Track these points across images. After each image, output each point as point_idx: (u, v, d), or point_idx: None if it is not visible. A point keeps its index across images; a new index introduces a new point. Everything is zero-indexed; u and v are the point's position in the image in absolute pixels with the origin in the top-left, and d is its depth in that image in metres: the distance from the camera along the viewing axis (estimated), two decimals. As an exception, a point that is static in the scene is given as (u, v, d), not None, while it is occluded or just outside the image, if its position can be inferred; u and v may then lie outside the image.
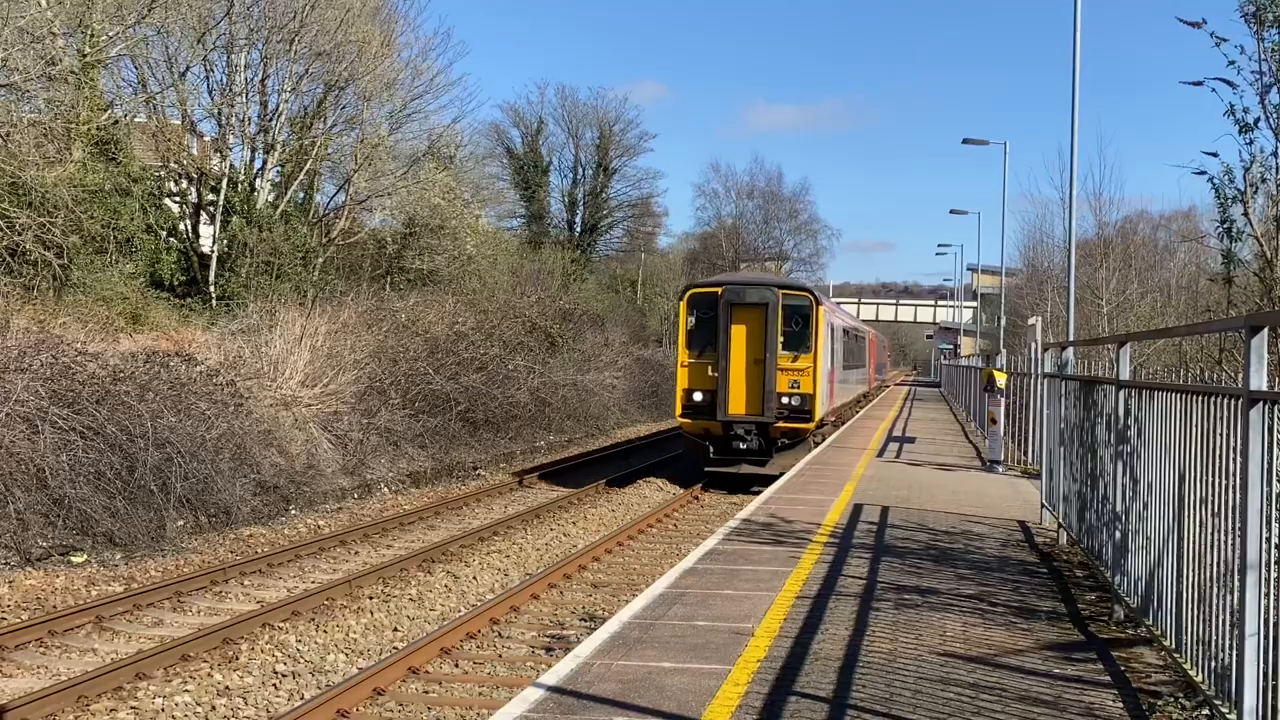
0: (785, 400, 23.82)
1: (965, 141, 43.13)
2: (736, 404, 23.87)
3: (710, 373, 23.95)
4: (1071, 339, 18.24)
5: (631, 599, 10.99)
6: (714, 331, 23.99)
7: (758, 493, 18.91)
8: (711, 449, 24.30)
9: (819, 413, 24.32)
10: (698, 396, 24.04)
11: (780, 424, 23.91)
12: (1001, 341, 45.06)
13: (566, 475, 27.27)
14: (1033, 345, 22.48)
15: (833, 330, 27.48)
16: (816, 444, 25.71)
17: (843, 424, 34.29)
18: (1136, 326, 33.99)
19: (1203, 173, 11.67)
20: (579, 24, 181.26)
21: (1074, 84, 22.43)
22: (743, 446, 23.96)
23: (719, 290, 24.30)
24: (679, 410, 24.47)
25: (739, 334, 23.96)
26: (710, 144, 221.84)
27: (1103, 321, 36.79)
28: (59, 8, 26.46)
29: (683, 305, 24.71)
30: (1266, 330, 5.63)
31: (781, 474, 20.55)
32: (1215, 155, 11.55)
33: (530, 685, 7.15)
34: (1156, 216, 47.94)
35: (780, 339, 23.87)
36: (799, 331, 24.11)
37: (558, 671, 7.36)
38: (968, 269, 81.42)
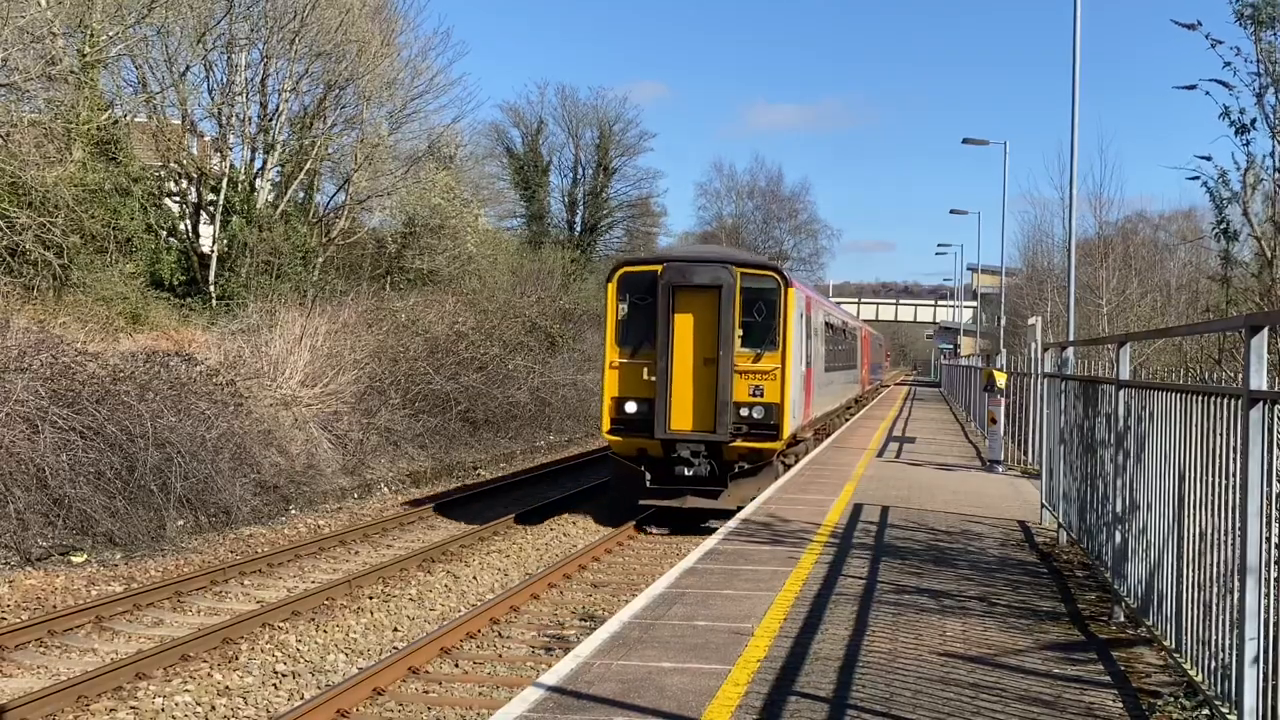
0: (744, 412, 18.69)
1: (965, 141, 43.18)
2: (680, 417, 18.78)
3: (646, 376, 18.75)
4: (1071, 339, 18.26)
5: (631, 599, 10.99)
6: (652, 323, 18.81)
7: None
8: (648, 475, 19.09)
9: (789, 427, 19.21)
10: (630, 407, 18.84)
11: (738, 443, 18.74)
12: (1001, 341, 45.05)
13: (545, 482, 27.16)
14: (1033, 345, 22.47)
15: (809, 321, 22.28)
16: (787, 466, 20.82)
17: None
18: (1136, 326, 33.99)
19: (1196, 177, 11.69)
20: (579, 24, 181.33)
21: (1074, 84, 22.44)
22: (688, 473, 18.75)
23: (658, 269, 19.03)
24: (606, 425, 19.16)
25: (684, 326, 18.88)
26: (710, 144, 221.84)
27: (1102, 321, 36.79)
28: (59, 8, 26.46)
29: (611, 289, 19.30)
30: (1266, 330, 5.63)
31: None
32: (1209, 159, 11.56)
33: (530, 685, 7.15)
34: (1156, 217, 47.97)
35: (738, 332, 18.83)
36: (763, 322, 19.03)
37: (558, 671, 7.36)
38: (968, 269, 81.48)
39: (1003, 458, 22.37)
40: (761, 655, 7.70)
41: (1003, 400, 23.19)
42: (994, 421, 22.83)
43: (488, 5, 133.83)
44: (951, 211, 60.45)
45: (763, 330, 19.09)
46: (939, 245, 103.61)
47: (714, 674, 7.26)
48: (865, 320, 72.10)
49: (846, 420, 35.86)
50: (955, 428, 35.36)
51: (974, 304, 79.85)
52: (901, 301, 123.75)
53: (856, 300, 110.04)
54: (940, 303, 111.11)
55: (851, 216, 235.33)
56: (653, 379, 18.70)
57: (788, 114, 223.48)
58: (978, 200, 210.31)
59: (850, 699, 6.75)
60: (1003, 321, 49.49)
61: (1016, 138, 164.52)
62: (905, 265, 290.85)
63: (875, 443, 27.13)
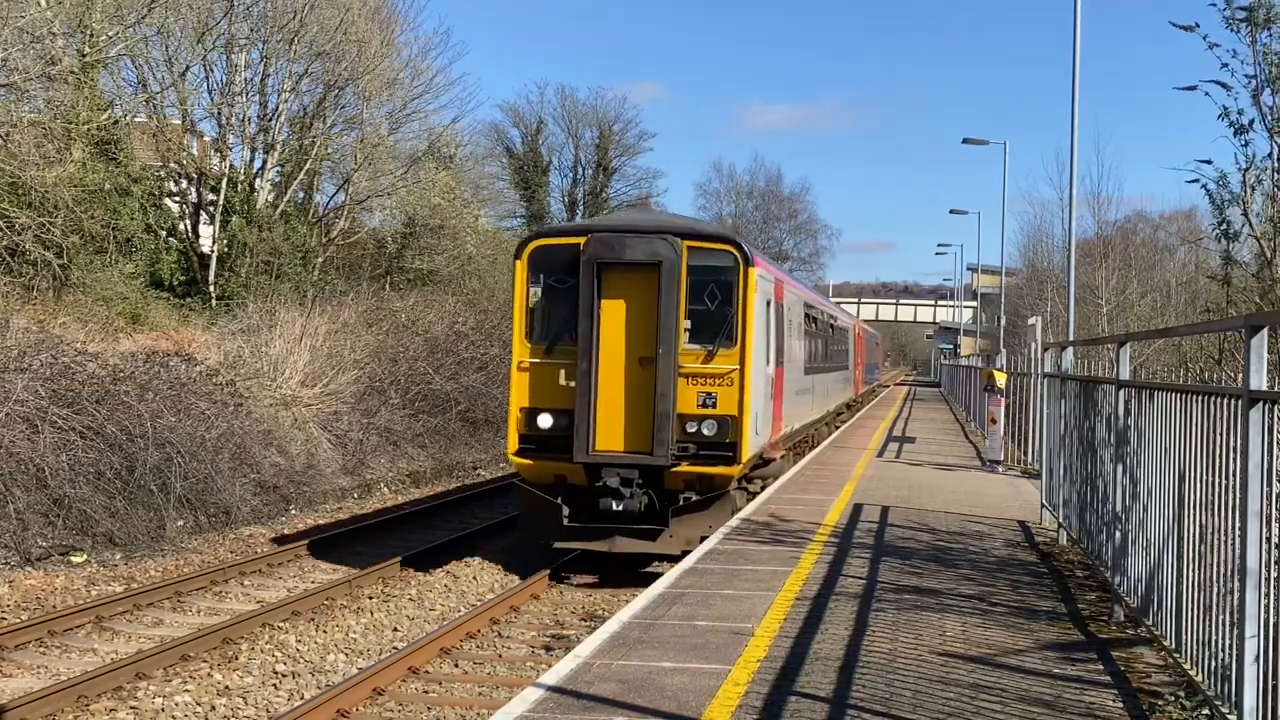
0: (692, 427, 14.73)
1: (965, 141, 43.21)
2: (608, 435, 14.79)
3: (565, 381, 14.81)
4: (1071, 339, 18.25)
5: (631, 599, 10.99)
6: (572, 311, 14.83)
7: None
8: (566, 509, 14.90)
9: (750, 446, 15.14)
10: (544, 421, 14.87)
11: (683, 468, 14.70)
12: (1001, 341, 45.07)
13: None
14: (1033, 345, 22.48)
15: (780, 311, 18.07)
16: (751, 494, 16.87)
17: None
18: (1136, 326, 34.00)
19: (1195, 180, 11.70)
20: (578, 24, 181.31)
21: (1074, 84, 22.45)
22: (618, 507, 14.69)
23: (580, 241, 14.95)
24: (512, 445, 15.11)
25: (614, 315, 14.90)
26: (709, 144, 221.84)
27: (1102, 321, 36.80)
28: (59, 8, 26.46)
29: (520, 268, 15.30)
30: (1266, 330, 5.63)
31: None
32: (1209, 162, 11.55)
33: (530, 685, 7.15)
34: (1156, 217, 47.98)
35: (684, 323, 14.86)
36: (717, 311, 15.07)
37: (558, 671, 7.36)
38: (968, 269, 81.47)
39: (1003, 458, 22.37)
40: (762, 655, 7.70)
41: (1003, 400, 23.19)
42: (994, 421, 22.83)
43: (488, 5, 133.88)
44: (951, 211, 60.55)
45: (717, 321, 15.00)
46: (939, 245, 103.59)
47: (714, 674, 7.26)
48: (865, 320, 72.00)
49: (837, 428, 32.08)
50: (955, 428, 35.37)
51: (974, 304, 79.88)
52: (901, 301, 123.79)
53: (856, 300, 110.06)
54: (940, 303, 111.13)
55: (851, 216, 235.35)
56: (573, 384, 14.66)
57: (787, 114, 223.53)
58: (978, 200, 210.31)
59: (850, 699, 6.75)
60: (1003, 321, 49.51)
61: (1016, 138, 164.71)
62: (905, 265, 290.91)
63: (875, 443, 27.13)
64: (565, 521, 14.87)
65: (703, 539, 13.27)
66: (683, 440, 14.70)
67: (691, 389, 14.82)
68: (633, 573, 15.29)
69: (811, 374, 23.69)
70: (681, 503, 14.88)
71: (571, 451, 14.56)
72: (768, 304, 16.51)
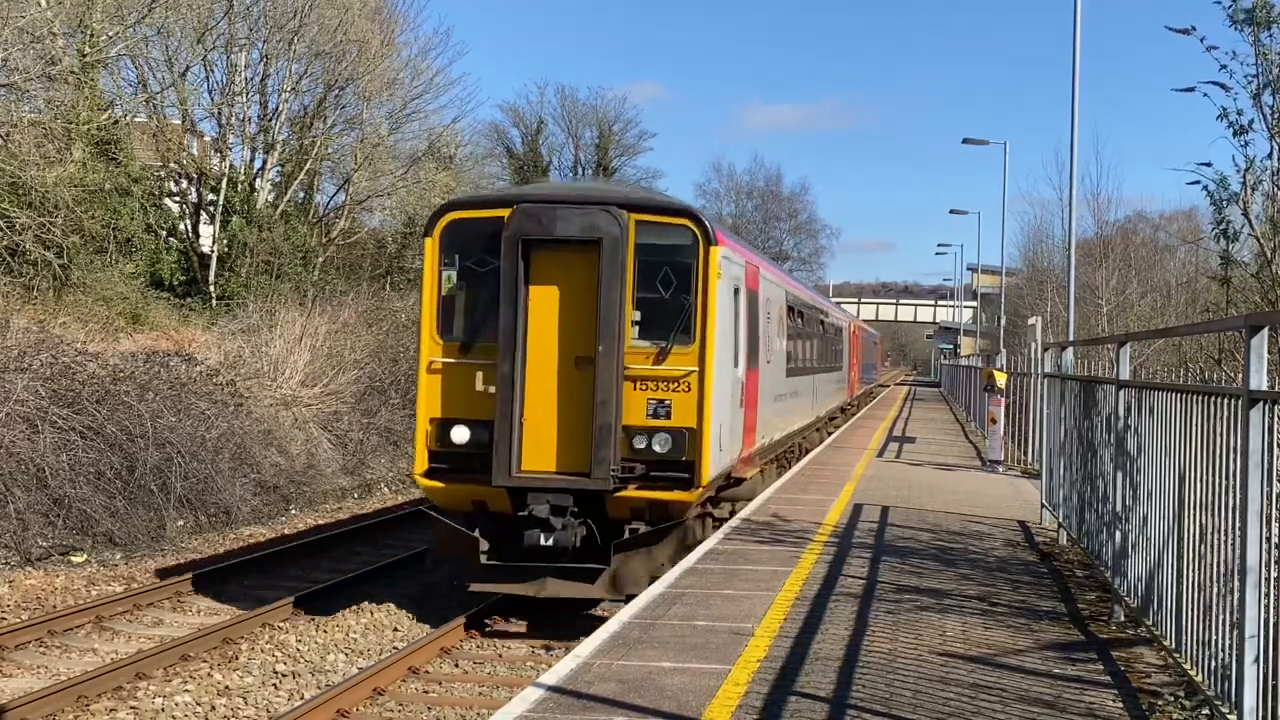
0: (640, 442, 12.30)
1: (965, 141, 43.23)
2: (537, 452, 12.32)
3: (484, 386, 12.39)
4: (1071, 339, 18.26)
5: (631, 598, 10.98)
6: (495, 301, 12.33)
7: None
8: (485, 543, 12.47)
9: (713, 465, 12.68)
10: (459, 435, 12.38)
11: (629, 493, 12.26)
12: (1001, 341, 45.08)
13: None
14: (1033, 345, 22.48)
15: (754, 301, 15.51)
16: (718, 522, 14.32)
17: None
18: (1136, 326, 34.01)
19: (1196, 182, 11.69)
20: (578, 24, 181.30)
21: (1074, 84, 22.45)
22: (547, 541, 12.11)
23: (504, 214, 12.43)
24: (420, 464, 12.62)
25: (544, 305, 12.44)
26: (709, 144, 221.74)
27: (1102, 321, 36.82)
28: (59, 8, 26.47)
29: (431, 247, 12.84)
30: (1266, 330, 5.63)
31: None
32: (1209, 165, 11.54)
33: (530, 685, 7.16)
34: (1156, 217, 47.98)
35: (632, 315, 12.43)
36: (672, 299, 12.58)
37: (558, 671, 7.36)
38: (968, 269, 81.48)
39: (1003, 458, 22.37)
40: (762, 655, 7.70)
41: (1003, 400, 23.19)
42: (994, 421, 22.83)
43: (488, 5, 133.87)
44: (951, 211, 60.56)
45: (671, 312, 12.55)
46: (939, 245, 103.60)
47: (714, 674, 7.26)
48: (865, 320, 71.96)
49: (829, 435, 29.53)
50: (955, 428, 35.37)
51: (974, 304, 79.89)
52: (901, 301, 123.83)
53: (856, 300, 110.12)
54: (940, 303, 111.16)
55: (851, 216, 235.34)
56: (492, 389, 12.20)
57: (786, 114, 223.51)
58: (978, 200, 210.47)
59: (850, 699, 6.76)
60: (1003, 321, 49.52)
61: (1016, 138, 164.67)
62: (905, 265, 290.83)
63: (875, 443, 27.14)
64: (483, 556, 12.35)
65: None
66: (629, 459, 12.20)
67: (640, 395, 12.32)
68: (577, 614, 12.85)
69: (797, 376, 21.12)
70: (627, 535, 12.35)
71: (493, 472, 12.00)
72: (736, 292, 14.04)
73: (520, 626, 12.85)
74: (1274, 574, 5.38)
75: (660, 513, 12.43)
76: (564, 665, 7.51)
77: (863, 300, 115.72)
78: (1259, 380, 5.49)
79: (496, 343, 12.22)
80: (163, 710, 9.84)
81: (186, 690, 10.29)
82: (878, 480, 18.73)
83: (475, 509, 12.57)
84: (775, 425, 18.08)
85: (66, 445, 16.27)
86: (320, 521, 20.00)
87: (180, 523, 17.40)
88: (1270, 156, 11.15)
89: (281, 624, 12.62)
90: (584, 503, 12.20)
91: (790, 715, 6.49)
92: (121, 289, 28.02)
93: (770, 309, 17.34)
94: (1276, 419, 5.28)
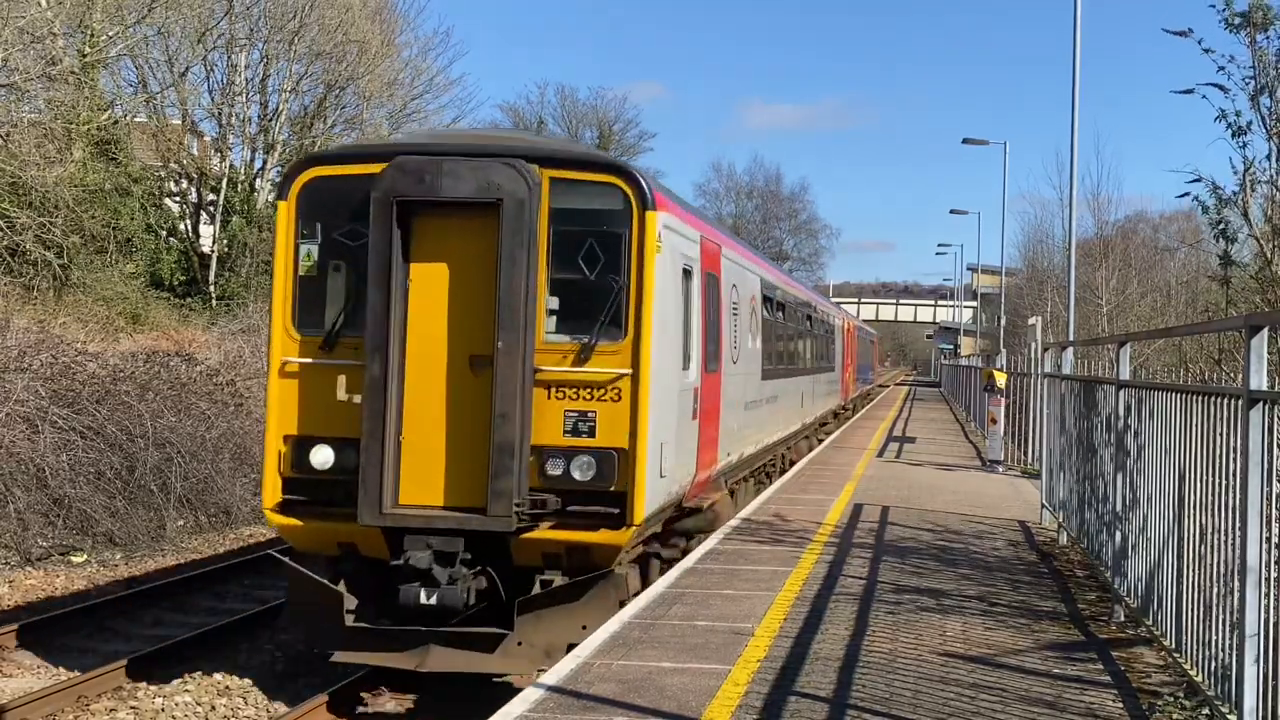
0: (555, 467, 9.76)
1: (965, 141, 43.24)
2: (419, 481, 9.75)
3: (349, 393, 9.81)
4: (1071, 339, 18.26)
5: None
6: (361, 282, 9.85)
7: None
8: (351, 599, 9.87)
9: (651, 497, 10.01)
10: (321, 456, 9.84)
11: (541, 533, 9.73)
12: (1001, 341, 45.09)
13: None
14: (1033, 345, 22.49)
15: (712, 286, 12.75)
16: (666, 563, 11.59)
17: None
18: (1136, 326, 34.03)
19: (1187, 195, 11.74)
20: (577, 24, 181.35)
21: (1074, 84, 22.46)
22: (429, 600, 9.51)
23: (377, 169, 9.82)
24: (271, 495, 10.00)
25: (428, 288, 9.89)
26: (709, 144, 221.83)
27: (1102, 321, 36.83)
28: (59, 8, 26.48)
29: (285, 213, 10.27)
30: (1266, 330, 5.63)
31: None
32: (1199, 180, 11.56)
33: (530, 685, 7.16)
34: (1156, 217, 48.03)
35: (545, 302, 9.93)
36: (599, 281, 9.99)
37: (558, 671, 7.36)
38: (968, 269, 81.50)
39: (1003, 458, 22.38)
40: (762, 655, 7.70)
41: (1003, 400, 23.20)
42: (994, 421, 22.84)
43: (488, 5, 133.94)
44: (951, 211, 60.47)
45: (597, 298, 9.88)
46: (939, 245, 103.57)
47: (714, 674, 7.26)
48: (865, 321, 71.84)
49: (821, 440, 27.42)
50: (955, 428, 35.38)
51: (974, 304, 79.91)
52: (901, 301, 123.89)
53: (856, 300, 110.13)
54: (940, 303, 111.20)
55: (851, 216, 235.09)
56: (357, 398, 9.61)
57: (786, 113, 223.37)
58: (978, 200, 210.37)
59: (850, 699, 6.76)
60: (1003, 321, 49.55)
61: (1016, 138, 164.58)
62: (905, 265, 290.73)
63: (875, 443, 27.14)
64: (349, 619, 9.69)
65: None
66: (541, 489, 9.55)
67: (556, 406, 9.68)
68: (485, 683, 10.12)
69: (777, 379, 18.34)
70: (539, 589, 9.67)
71: (361, 507, 9.39)
72: (688, 274, 11.40)
73: (406, 702, 10.16)
74: (1274, 574, 5.39)
75: (581, 559, 9.71)
76: (564, 665, 7.51)
77: (863, 300, 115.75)
78: (1259, 380, 5.50)
79: (367, 334, 9.58)
80: (163, 710, 9.84)
81: (186, 690, 10.26)
82: (878, 480, 18.73)
83: (344, 553, 9.91)
84: (747, 438, 15.51)
85: (66, 445, 16.27)
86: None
87: (180, 523, 17.41)
88: (1269, 157, 11.17)
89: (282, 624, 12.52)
90: (480, 547, 9.55)
91: (790, 715, 6.49)
92: (121, 289, 28.04)
93: (739, 298, 14.75)
94: (1276, 419, 5.28)
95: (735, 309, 14.35)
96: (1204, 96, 11.00)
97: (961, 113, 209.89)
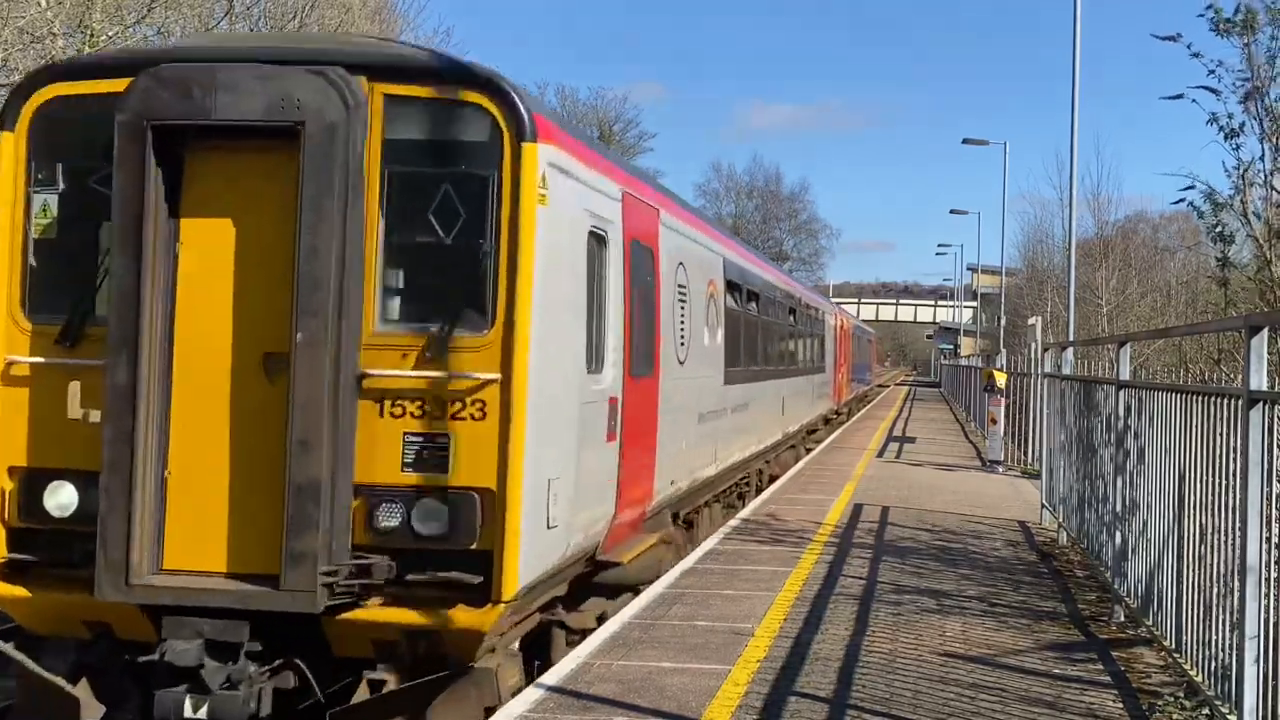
0: (389, 517, 6.76)
1: (965, 142, 43.25)
2: (189, 537, 6.78)
3: (79, 410, 6.88)
4: (1071, 339, 18.28)
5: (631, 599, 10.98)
6: (105, 245, 7.01)
7: None
8: (99, 706, 6.98)
9: (531, 556, 6.92)
10: (58, 498, 6.93)
11: (367, 612, 6.75)
12: (1001, 341, 45.10)
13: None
14: (1033, 345, 22.49)
15: (642, 261, 9.63)
16: (577, 635, 8.57)
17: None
18: (1136, 326, 34.05)
19: (1181, 200, 11.77)
20: (577, 24, 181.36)
21: (1074, 84, 22.47)
22: (195, 713, 6.51)
23: (129, 84, 6.76)
24: None
25: (206, 253, 6.95)
26: (709, 144, 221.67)
27: (1102, 321, 36.86)
28: (59, 8, 26.50)
29: (9, 148, 7.17)
30: (1266, 330, 5.64)
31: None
32: (1193, 187, 11.58)
33: (531, 685, 7.16)
34: (1156, 217, 48.04)
35: (376, 274, 6.90)
36: (454, 248, 6.97)
37: (558, 671, 7.36)
38: (968, 269, 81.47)
39: (1003, 458, 22.39)
40: (762, 655, 7.71)
41: (1003, 400, 23.21)
42: (994, 421, 22.85)
43: (488, 5, 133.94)
44: (951, 211, 60.41)
45: (453, 272, 7.11)
46: (939, 245, 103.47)
47: (714, 674, 7.26)
48: (865, 320, 71.79)
49: (810, 449, 24.86)
50: (955, 428, 35.38)
51: (974, 304, 79.88)
52: (901, 301, 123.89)
53: (856, 300, 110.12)
54: (940, 303, 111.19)
55: (851, 216, 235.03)
56: (95, 417, 6.88)
57: (786, 113, 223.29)
58: (978, 200, 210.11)
59: (850, 699, 6.76)
60: (1003, 321, 49.55)
61: (1016, 138, 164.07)
62: (905, 265, 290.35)
63: (875, 443, 27.15)
64: None
65: None
66: (367, 547, 6.77)
67: (390, 428, 6.84)
68: None
69: (748, 382, 15.41)
70: (368, 691, 6.97)
71: (103, 575, 6.63)
72: (599, 238, 8.36)
73: None
74: (1274, 574, 5.39)
75: (428, 649, 6.86)
76: (564, 665, 7.52)
77: (863, 300, 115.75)
78: (1259, 380, 5.50)
79: (109, 323, 6.83)
80: (163, 710, 9.82)
81: (187, 690, 10.24)
82: (878, 480, 18.73)
83: (96, 637, 7.15)
84: (702, 457, 12.51)
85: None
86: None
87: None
88: (1262, 158, 11.19)
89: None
90: (281, 633, 6.76)
91: (790, 715, 6.49)
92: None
93: (690, 281, 11.65)
94: (1276, 419, 5.29)
95: (683, 294, 11.29)
96: (1194, 101, 11.03)
97: (961, 113, 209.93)
